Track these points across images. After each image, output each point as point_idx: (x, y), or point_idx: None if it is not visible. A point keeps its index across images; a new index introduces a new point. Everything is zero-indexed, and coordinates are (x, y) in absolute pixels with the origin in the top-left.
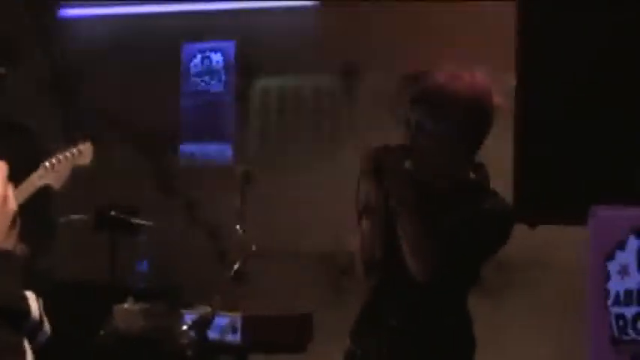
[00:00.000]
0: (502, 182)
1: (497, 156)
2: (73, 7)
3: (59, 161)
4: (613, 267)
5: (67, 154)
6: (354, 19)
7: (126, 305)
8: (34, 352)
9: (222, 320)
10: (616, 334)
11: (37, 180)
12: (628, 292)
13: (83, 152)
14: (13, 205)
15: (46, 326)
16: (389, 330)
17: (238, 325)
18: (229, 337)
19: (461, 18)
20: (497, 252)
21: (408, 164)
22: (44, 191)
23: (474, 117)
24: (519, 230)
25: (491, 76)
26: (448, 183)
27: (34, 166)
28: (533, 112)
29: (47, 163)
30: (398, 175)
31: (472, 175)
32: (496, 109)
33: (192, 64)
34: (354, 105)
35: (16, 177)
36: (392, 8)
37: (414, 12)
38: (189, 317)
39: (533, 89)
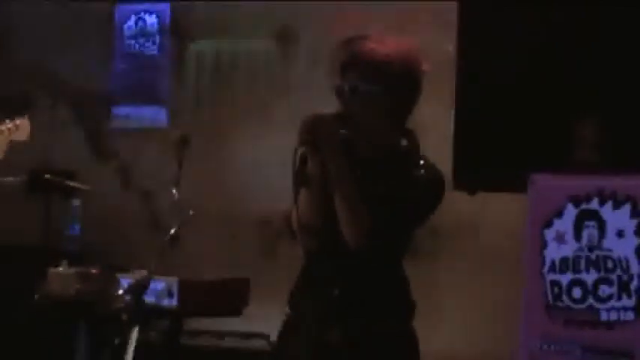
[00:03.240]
0: (442, 149)
1: (438, 123)
2: None
3: None
4: (550, 234)
5: (3, 128)
6: None
7: (60, 269)
8: None
9: (158, 284)
10: (550, 300)
11: None
12: (564, 260)
13: (20, 127)
14: None
15: None
16: (331, 299)
17: (174, 289)
18: (165, 302)
19: None
20: (429, 218)
21: (343, 132)
22: None
23: (405, 79)
24: (455, 196)
25: (428, 42)
26: (381, 150)
27: None
28: (473, 81)
29: None
30: (333, 144)
31: (404, 142)
32: (425, 75)
33: (125, 26)
34: (291, 69)
35: None
36: None
37: None
38: (125, 281)
39: (473, 59)
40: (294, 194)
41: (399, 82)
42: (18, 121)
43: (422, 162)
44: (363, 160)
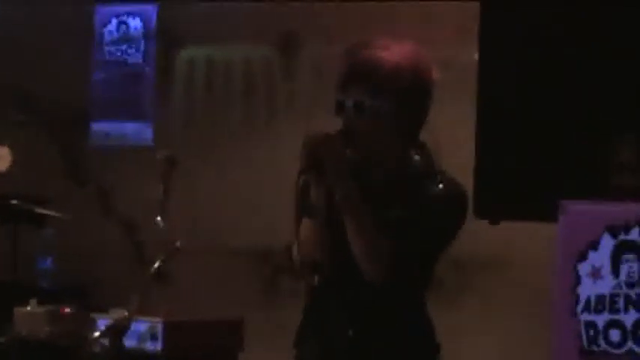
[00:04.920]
0: (463, 177)
1: (459, 150)
2: None
3: None
4: (584, 269)
5: None
6: None
7: (29, 308)
8: None
9: (140, 326)
10: (585, 344)
11: None
12: (600, 298)
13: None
14: None
15: None
16: (345, 341)
17: (159, 331)
18: (149, 345)
19: None
20: (454, 239)
21: (350, 152)
22: None
23: (417, 90)
24: (478, 227)
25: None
26: (393, 169)
27: None
28: (495, 106)
29: None
30: (339, 167)
31: (417, 157)
32: (435, 84)
33: (106, 31)
34: (292, 81)
35: None
36: None
37: None
38: (102, 322)
39: (495, 82)
40: (296, 225)
41: (410, 95)
42: None
43: (438, 176)
44: (373, 183)
